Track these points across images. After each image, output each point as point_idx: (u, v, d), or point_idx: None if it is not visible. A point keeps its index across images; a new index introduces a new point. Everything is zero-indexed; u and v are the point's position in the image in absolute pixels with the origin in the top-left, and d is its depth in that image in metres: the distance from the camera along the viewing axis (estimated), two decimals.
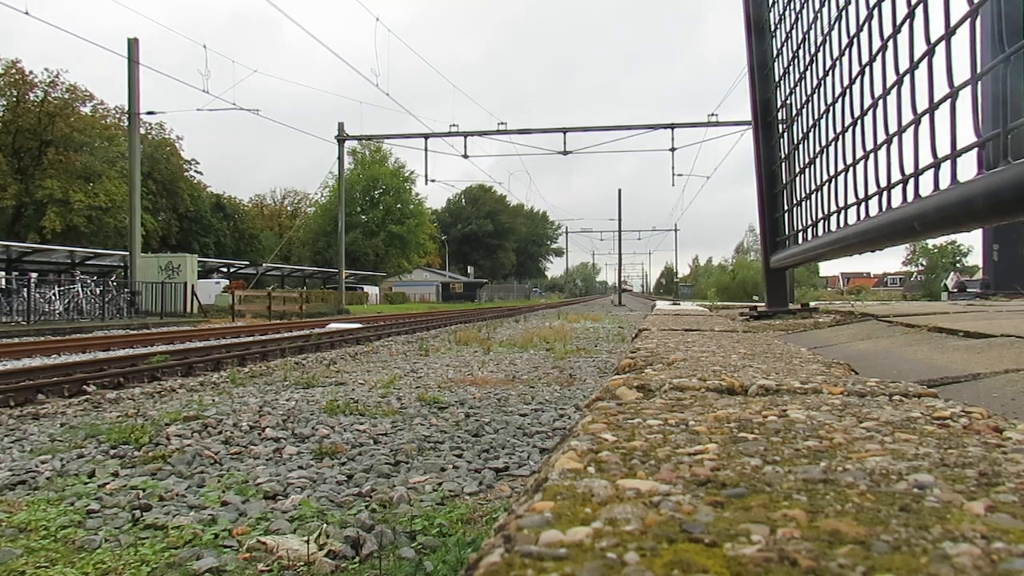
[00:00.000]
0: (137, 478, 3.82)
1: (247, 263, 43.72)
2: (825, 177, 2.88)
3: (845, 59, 2.43)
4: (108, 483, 3.73)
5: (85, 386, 7.43)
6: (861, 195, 2.27)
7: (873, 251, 2.36)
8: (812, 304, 5.93)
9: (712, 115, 28.77)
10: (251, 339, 13.95)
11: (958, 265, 52.10)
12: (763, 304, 5.02)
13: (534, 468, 4.02)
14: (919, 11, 1.64)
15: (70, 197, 40.89)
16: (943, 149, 1.54)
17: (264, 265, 41.03)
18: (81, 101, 45.25)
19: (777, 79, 4.14)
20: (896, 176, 1.87)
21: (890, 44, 1.86)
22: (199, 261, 33.45)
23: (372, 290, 53.01)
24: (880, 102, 1.97)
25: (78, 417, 5.87)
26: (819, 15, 2.92)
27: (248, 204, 68.72)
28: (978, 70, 1.40)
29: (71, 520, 3.13)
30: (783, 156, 4.13)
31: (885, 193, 1.98)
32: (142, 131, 33.35)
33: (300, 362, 10.45)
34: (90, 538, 2.89)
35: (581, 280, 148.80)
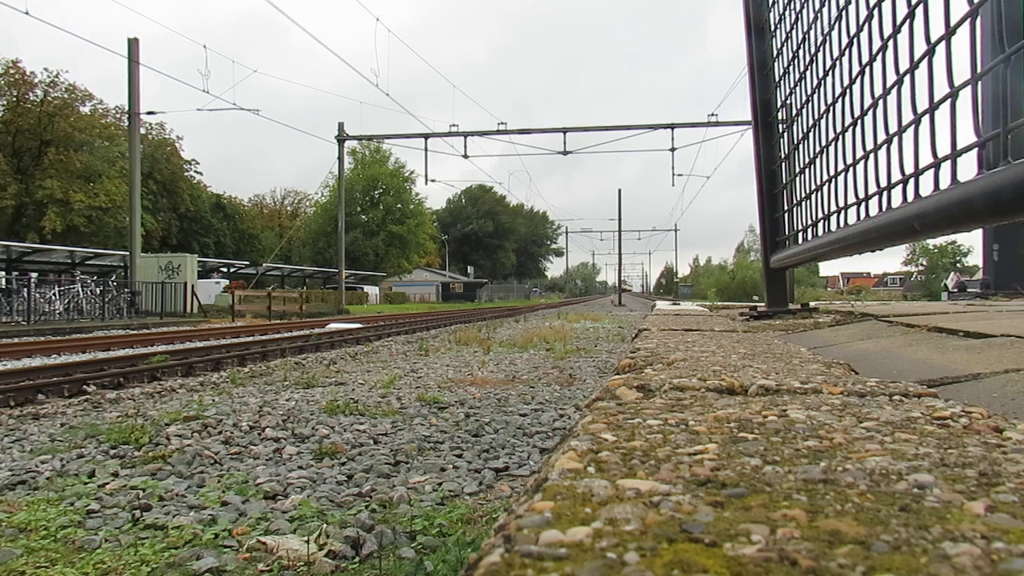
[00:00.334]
0: (137, 478, 3.82)
1: (247, 263, 43.73)
2: (825, 177, 2.88)
3: (845, 59, 2.43)
4: (108, 483, 3.73)
5: (85, 386, 7.43)
6: (861, 195, 2.27)
7: (873, 251, 2.36)
8: (812, 304, 5.93)
9: (712, 115, 28.79)
10: (251, 339, 13.95)
11: (958, 265, 52.06)
12: (763, 304, 5.02)
13: (534, 468, 4.02)
14: (919, 11, 1.64)
15: (70, 197, 40.90)
16: (943, 149, 1.54)
17: (264, 265, 41.03)
18: (80, 101, 45.28)
19: (777, 79, 4.14)
20: (896, 176, 1.87)
21: (890, 44, 1.86)
22: (199, 261, 33.46)
23: (372, 290, 53.03)
24: (880, 102, 1.97)
25: (78, 417, 5.87)
26: (819, 15, 2.92)
27: (248, 204, 68.76)
28: (978, 70, 1.40)
29: (71, 520, 3.13)
30: (783, 156, 4.13)
31: (885, 193, 1.98)
32: (142, 131, 33.36)
33: (300, 362, 10.45)
34: (90, 538, 2.89)
35: (581, 280, 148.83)
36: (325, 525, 3.00)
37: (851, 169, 2.38)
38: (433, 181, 48.16)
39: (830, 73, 2.72)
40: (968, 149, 1.45)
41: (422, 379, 8.19)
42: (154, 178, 47.43)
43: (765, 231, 4.41)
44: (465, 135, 30.44)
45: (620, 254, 62.36)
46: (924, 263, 55.50)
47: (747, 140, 27.24)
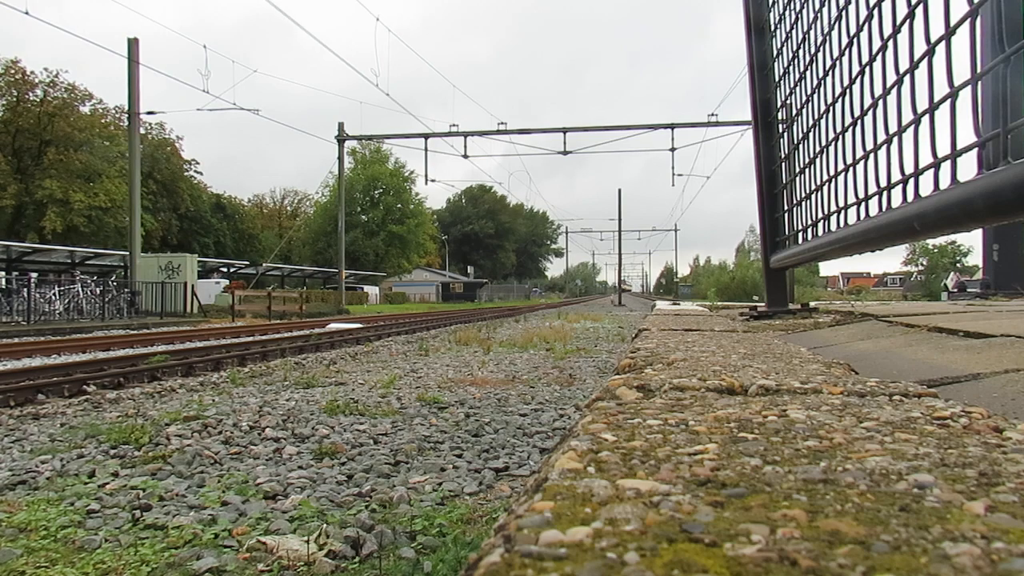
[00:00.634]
0: (137, 478, 3.81)
1: (247, 263, 43.73)
2: (825, 177, 2.88)
3: (845, 59, 2.43)
4: (108, 483, 3.73)
5: (85, 386, 7.43)
6: (861, 195, 2.27)
7: (873, 251, 2.36)
8: (812, 304, 5.93)
9: (712, 115, 28.79)
10: (251, 339, 13.95)
11: (958, 265, 52.06)
12: (763, 304, 5.02)
13: (534, 468, 4.02)
14: (919, 11, 1.64)
15: (70, 197, 40.90)
16: (943, 149, 1.54)
17: (264, 265, 41.03)
18: (80, 101, 45.29)
19: (777, 79, 4.14)
20: (896, 176, 1.87)
21: (890, 44, 1.86)
22: (199, 261, 33.45)
23: (372, 290, 53.02)
24: (880, 102, 1.97)
25: (78, 417, 5.87)
26: (819, 15, 2.92)
27: (248, 204, 68.77)
28: (978, 70, 1.40)
29: (71, 520, 3.13)
30: (783, 156, 4.13)
31: (885, 193, 1.98)
32: (142, 131, 33.38)
33: (300, 362, 10.45)
34: (90, 538, 2.89)
35: (581, 280, 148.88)
36: (325, 525, 3.00)
37: (851, 169, 2.38)
38: (433, 181, 48.19)
39: (830, 73, 2.72)
40: (968, 149, 1.45)
41: (422, 379, 8.19)
42: (154, 178, 47.43)
43: (765, 231, 4.41)
44: (465, 135, 30.44)
45: (620, 254, 62.38)
46: (924, 263, 55.52)
47: (747, 140, 27.25)
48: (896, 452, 0.72)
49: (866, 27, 2.13)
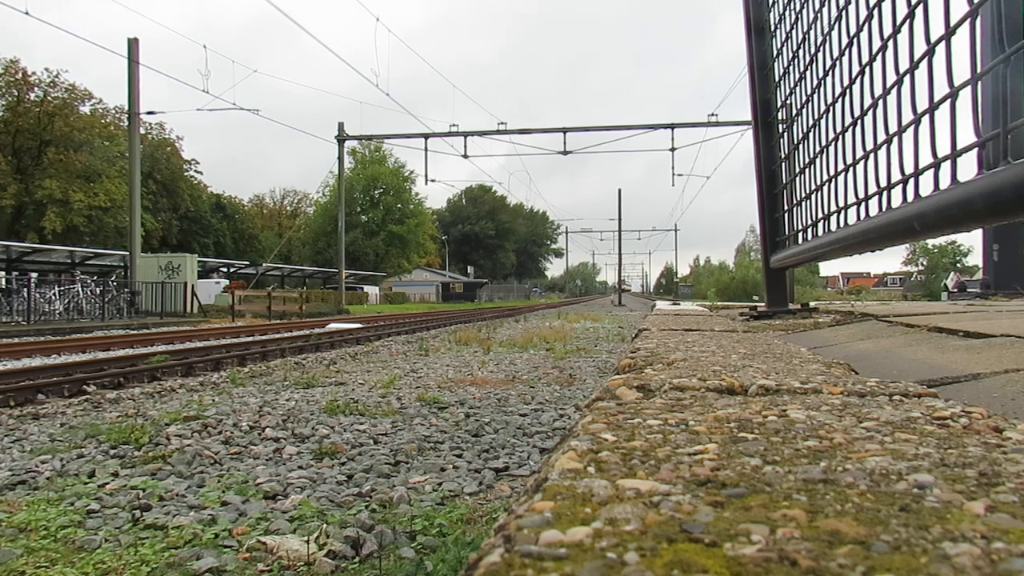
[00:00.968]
0: (137, 478, 3.81)
1: (247, 263, 43.73)
2: (825, 177, 2.88)
3: (845, 59, 2.43)
4: (108, 483, 3.73)
5: (85, 386, 7.43)
6: (861, 195, 2.27)
7: (873, 251, 2.36)
8: (812, 304, 5.93)
9: (712, 115, 28.79)
10: (251, 339, 13.94)
11: (958, 265, 52.06)
12: (763, 304, 5.02)
13: (534, 468, 4.02)
14: (919, 11, 1.64)
15: (70, 197, 40.90)
16: (943, 149, 1.54)
17: (264, 265, 41.03)
18: (80, 101, 45.29)
19: (777, 79, 4.14)
20: (896, 176, 1.87)
21: (890, 44, 1.86)
22: (199, 261, 33.46)
23: (372, 290, 53.02)
24: (880, 102, 1.97)
25: (78, 417, 5.87)
26: (819, 15, 2.92)
27: (248, 204, 68.77)
28: (978, 70, 1.40)
29: (71, 520, 3.13)
30: (783, 156, 4.13)
31: (885, 193, 1.98)
32: (142, 131, 33.37)
33: (300, 362, 10.45)
34: (90, 538, 2.89)
35: (581, 280, 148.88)
36: (325, 525, 3.00)
37: (851, 169, 2.38)
38: (433, 181, 48.14)
39: (830, 73, 2.72)
40: (968, 149, 1.45)
41: (422, 379, 8.19)
42: (154, 178, 47.43)
43: (765, 231, 4.41)
44: (465, 135, 30.44)
45: (620, 254, 62.39)
46: (924, 263, 55.50)
47: (747, 140, 27.24)
48: (896, 452, 0.72)
49: (866, 27, 2.13)
